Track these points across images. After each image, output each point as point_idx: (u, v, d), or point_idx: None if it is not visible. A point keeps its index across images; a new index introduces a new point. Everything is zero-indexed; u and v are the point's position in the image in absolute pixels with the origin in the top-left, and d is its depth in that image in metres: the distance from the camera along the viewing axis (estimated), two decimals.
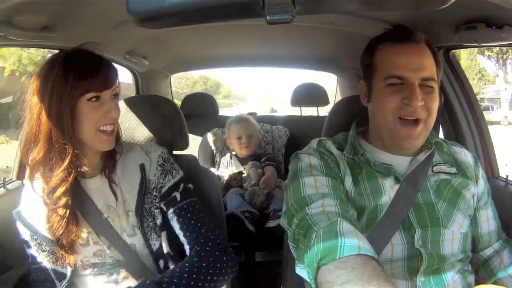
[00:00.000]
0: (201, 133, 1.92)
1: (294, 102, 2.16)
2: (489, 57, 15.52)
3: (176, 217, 0.82)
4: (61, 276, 0.79)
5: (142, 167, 0.82)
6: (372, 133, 0.82)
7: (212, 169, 1.79)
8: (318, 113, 2.21)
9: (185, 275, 0.72)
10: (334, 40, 1.63)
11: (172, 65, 2.23)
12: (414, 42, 0.74)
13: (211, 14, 0.45)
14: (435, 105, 0.74)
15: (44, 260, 0.78)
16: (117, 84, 0.77)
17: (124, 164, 0.82)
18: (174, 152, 1.00)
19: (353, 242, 0.53)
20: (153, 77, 2.14)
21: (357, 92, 0.86)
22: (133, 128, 0.96)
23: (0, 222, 0.89)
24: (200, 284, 0.72)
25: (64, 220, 0.74)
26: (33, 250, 0.79)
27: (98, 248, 0.80)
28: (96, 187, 0.80)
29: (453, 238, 0.74)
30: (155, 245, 0.81)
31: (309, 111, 2.32)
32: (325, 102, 2.17)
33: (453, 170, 0.79)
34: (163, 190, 0.82)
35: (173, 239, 0.83)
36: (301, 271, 0.58)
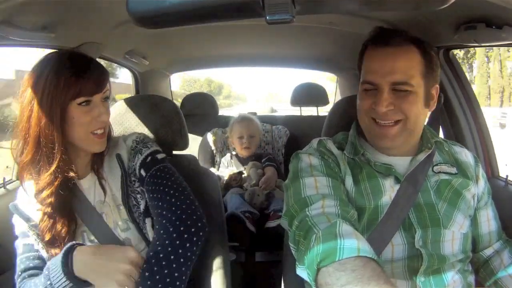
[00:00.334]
0: (201, 133, 1.91)
1: (294, 102, 2.16)
2: None
3: (148, 197, 0.78)
4: None
5: (119, 157, 0.81)
6: None
7: (212, 169, 1.78)
8: (318, 113, 2.21)
9: (155, 268, 0.69)
10: (334, 40, 1.63)
11: (171, 65, 2.23)
12: (390, 46, 0.73)
13: (211, 14, 0.45)
14: (412, 107, 0.72)
15: (42, 250, 0.78)
16: (107, 87, 0.76)
17: (109, 159, 0.82)
18: (174, 152, 1.00)
19: (353, 244, 0.53)
20: (153, 77, 2.14)
21: (357, 92, 0.86)
22: (133, 128, 0.96)
23: (0, 222, 0.89)
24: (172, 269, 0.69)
25: (51, 220, 0.75)
26: (31, 239, 0.78)
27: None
28: (88, 186, 0.81)
29: (453, 238, 0.74)
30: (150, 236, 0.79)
31: (309, 111, 2.31)
32: (325, 102, 2.17)
33: (454, 170, 0.79)
34: (136, 171, 0.80)
35: None
36: (302, 272, 0.58)
